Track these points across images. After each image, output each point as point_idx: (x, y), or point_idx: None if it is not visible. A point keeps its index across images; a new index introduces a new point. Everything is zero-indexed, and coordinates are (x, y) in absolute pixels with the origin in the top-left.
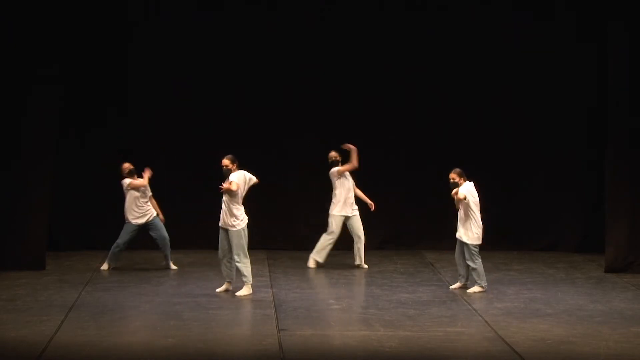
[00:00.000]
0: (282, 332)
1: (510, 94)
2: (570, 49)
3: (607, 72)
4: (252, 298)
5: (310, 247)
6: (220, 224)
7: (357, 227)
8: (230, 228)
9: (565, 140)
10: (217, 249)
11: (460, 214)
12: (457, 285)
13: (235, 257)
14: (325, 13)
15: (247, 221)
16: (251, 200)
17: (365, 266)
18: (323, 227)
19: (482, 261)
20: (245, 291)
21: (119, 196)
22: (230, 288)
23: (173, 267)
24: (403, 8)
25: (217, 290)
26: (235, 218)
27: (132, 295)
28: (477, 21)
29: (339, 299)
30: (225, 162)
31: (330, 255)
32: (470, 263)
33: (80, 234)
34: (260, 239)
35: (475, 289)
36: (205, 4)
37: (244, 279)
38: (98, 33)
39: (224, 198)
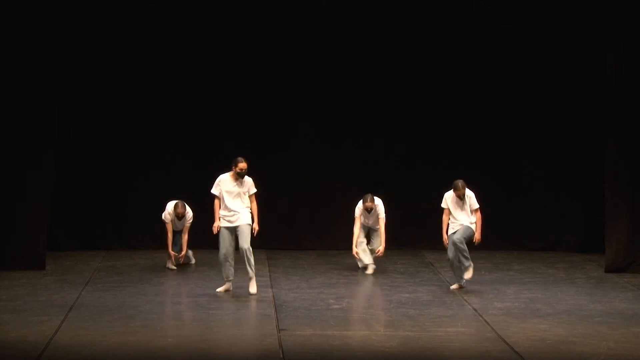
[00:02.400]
0: (282, 332)
1: (510, 94)
2: (571, 50)
3: (608, 73)
4: (252, 298)
5: (311, 247)
6: (228, 225)
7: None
8: (247, 224)
9: (565, 140)
10: (216, 248)
11: (465, 211)
12: (457, 285)
13: (249, 249)
14: (326, 12)
15: None
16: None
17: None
18: (323, 226)
19: (482, 261)
20: (255, 286)
21: (119, 196)
22: (231, 288)
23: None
24: (403, 8)
25: (217, 290)
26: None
27: (132, 295)
28: (479, 21)
29: (339, 299)
30: (245, 165)
31: (330, 255)
32: (466, 261)
33: (80, 234)
34: (261, 239)
35: (470, 271)
36: (206, 2)
37: (253, 273)
38: (97, 31)
39: (240, 199)
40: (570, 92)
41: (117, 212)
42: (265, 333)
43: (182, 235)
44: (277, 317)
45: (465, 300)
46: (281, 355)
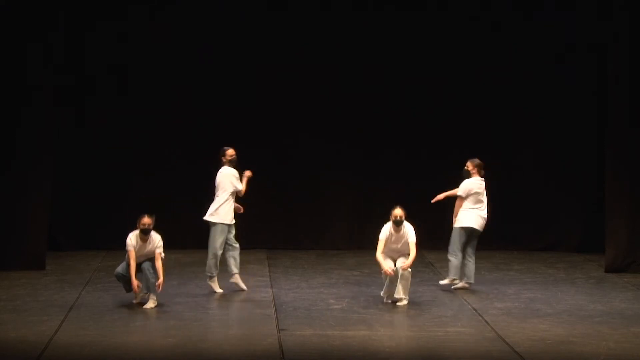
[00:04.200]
0: (282, 332)
1: (510, 94)
2: (572, 51)
3: (607, 73)
4: (252, 298)
5: (311, 248)
6: (231, 222)
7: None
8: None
9: (566, 141)
10: None
11: (470, 204)
12: (462, 283)
13: (235, 245)
14: (327, 12)
15: None
16: (252, 199)
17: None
18: (324, 227)
19: (482, 261)
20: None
21: (119, 196)
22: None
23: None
24: (404, 8)
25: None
26: None
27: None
28: (481, 21)
29: (339, 299)
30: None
31: (330, 255)
32: (472, 258)
33: (80, 234)
34: (261, 239)
35: (464, 284)
36: (206, 2)
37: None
38: (95, 29)
39: (233, 196)
40: (570, 92)
41: (117, 212)
42: (265, 333)
43: (155, 262)
44: (277, 317)
45: (465, 300)
46: (281, 355)
